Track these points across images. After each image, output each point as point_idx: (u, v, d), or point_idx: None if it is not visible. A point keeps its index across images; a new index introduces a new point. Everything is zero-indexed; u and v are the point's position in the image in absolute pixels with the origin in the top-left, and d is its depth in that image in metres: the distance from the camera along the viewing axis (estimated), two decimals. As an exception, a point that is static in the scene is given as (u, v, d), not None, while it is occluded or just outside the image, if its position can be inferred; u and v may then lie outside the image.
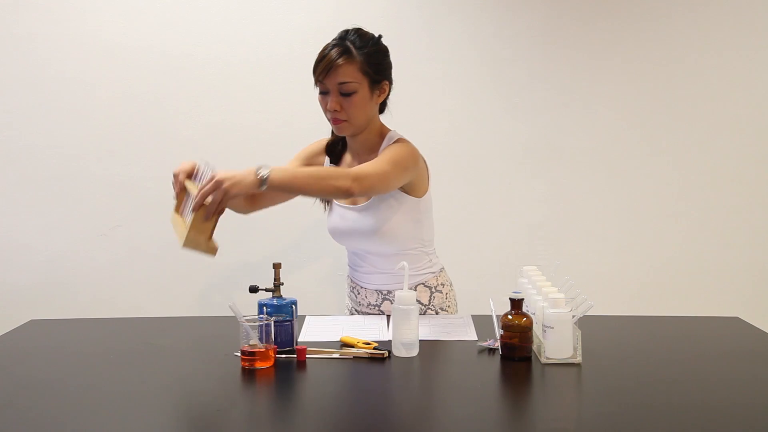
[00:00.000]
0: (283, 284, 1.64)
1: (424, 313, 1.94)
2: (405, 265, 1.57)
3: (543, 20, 2.70)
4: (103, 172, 2.69)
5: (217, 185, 1.51)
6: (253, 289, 1.66)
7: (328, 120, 1.85)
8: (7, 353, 1.63)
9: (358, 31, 1.83)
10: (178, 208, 1.70)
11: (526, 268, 1.80)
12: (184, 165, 1.73)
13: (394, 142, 1.87)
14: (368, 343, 1.58)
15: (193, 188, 1.60)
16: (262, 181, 1.54)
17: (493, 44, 2.70)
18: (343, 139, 1.96)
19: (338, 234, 1.96)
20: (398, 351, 1.54)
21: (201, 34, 2.67)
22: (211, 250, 1.52)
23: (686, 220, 2.76)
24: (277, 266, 1.65)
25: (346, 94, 1.78)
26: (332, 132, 1.95)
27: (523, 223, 2.76)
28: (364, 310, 1.99)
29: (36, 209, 2.70)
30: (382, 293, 1.94)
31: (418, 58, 2.69)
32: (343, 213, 1.93)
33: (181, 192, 1.70)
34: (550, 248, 2.75)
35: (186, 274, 2.72)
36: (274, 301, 1.59)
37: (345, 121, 1.81)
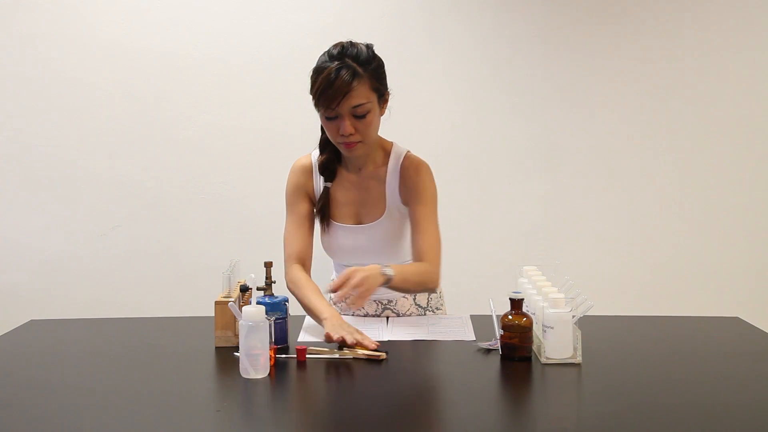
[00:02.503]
0: (275, 282, 1.64)
1: (424, 314, 1.94)
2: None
3: (543, 20, 2.70)
4: (103, 172, 2.70)
5: (363, 281, 1.57)
6: (244, 289, 1.65)
7: (338, 144, 1.74)
8: (7, 353, 1.63)
9: (353, 45, 1.71)
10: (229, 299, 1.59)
11: (526, 268, 1.79)
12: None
13: (413, 168, 1.81)
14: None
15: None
16: (388, 279, 1.65)
17: (493, 44, 2.71)
18: (337, 154, 1.84)
19: (339, 251, 1.88)
20: None
21: (201, 34, 2.67)
22: None
23: (686, 220, 2.76)
24: (268, 264, 1.65)
25: (360, 116, 1.68)
26: (322, 149, 1.84)
27: (523, 223, 2.76)
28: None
29: (36, 209, 2.70)
30: (382, 303, 1.92)
31: (418, 58, 2.69)
32: (345, 232, 1.85)
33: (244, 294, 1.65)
34: (550, 248, 2.75)
35: (186, 274, 2.72)
36: (267, 300, 1.59)
37: (359, 142, 1.72)
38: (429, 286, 1.80)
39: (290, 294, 1.77)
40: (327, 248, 1.91)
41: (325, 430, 1.22)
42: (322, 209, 1.84)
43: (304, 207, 1.86)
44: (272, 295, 1.62)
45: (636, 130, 2.74)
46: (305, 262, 1.85)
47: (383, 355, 1.51)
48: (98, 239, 2.72)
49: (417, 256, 1.81)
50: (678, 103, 2.73)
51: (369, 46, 1.72)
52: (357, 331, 1.59)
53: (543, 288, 1.57)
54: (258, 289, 1.61)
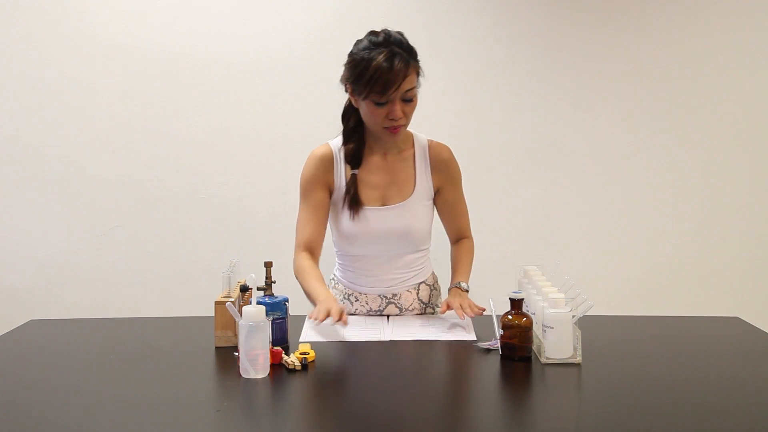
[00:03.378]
0: (275, 282, 1.64)
1: (424, 312, 1.94)
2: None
3: (542, 22, 2.70)
4: (103, 172, 2.70)
5: (462, 302, 1.79)
6: (244, 289, 1.66)
7: (382, 129, 1.78)
8: (7, 353, 1.63)
9: (394, 34, 1.77)
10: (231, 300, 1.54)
11: (526, 268, 1.80)
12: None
13: (444, 153, 1.94)
14: (307, 353, 1.49)
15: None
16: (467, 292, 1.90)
17: (492, 45, 2.71)
18: (362, 140, 1.88)
19: (363, 236, 1.87)
20: None
21: (201, 35, 2.67)
22: None
23: (686, 221, 2.76)
24: (268, 264, 1.65)
25: (409, 100, 1.76)
26: (347, 138, 1.87)
27: (523, 223, 2.76)
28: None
29: (36, 209, 2.70)
30: (386, 297, 1.93)
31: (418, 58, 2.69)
32: (371, 214, 1.86)
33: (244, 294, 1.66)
34: (550, 248, 2.75)
35: (185, 274, 2.72)
36: (267, 300, 1.59)
37: (403, 126, 1.80)
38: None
39: (296, 280, 1.83)
40: (352, 234, 1.88)
41: (325, 429, 1.22)
42: (354, 197, 1.85)
43: (319, 196, 1.88)
44: (272, 295, 1.62)
45: (635, 131, 2.74)
46: (314, 251, 1.88)
47: (299, 366, 1.45)
48: (98, 239, 2.72)
49: (456, 233, 2.02)
50: (677, 103, 2.73)
51: (401, 34, 1.79)
52: (339, 310, 1.63)
53: (543, 288, 1.57)
54: (258, 289, 1.61)
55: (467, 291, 1.88)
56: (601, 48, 2.71)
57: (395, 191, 1.88)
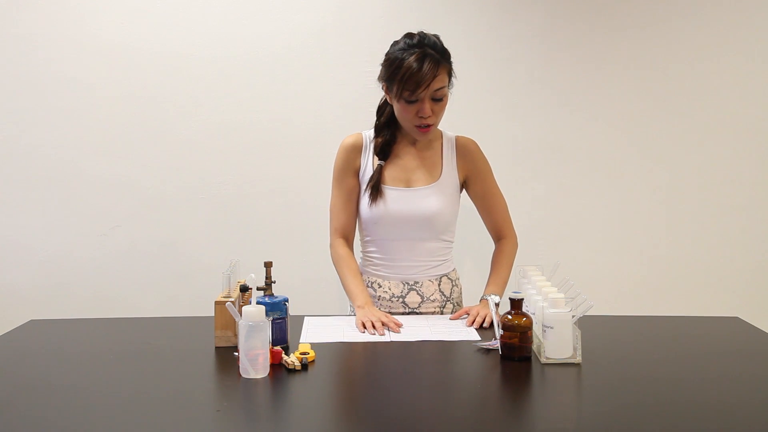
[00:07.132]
0: (275, 282, 1.64)
1: (444, 305, 1.97)
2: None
3: (541, 22, 2.70)
4: (103, 172, 2.69)
5: (479, 313, 1.83)
6: (244, 289, 1.66)
7: (413, 127, 1.87)
8: (7, 353, 1.63)
9: (426, 35, 1.84)
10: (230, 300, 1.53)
11: (526, 268, 1.80)
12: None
13: (470, 145, 2.01)
14: (307, 353, 1.49)
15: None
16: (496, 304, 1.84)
17: (491, 45, 2.71)
18: (393, 134, 1.96)
19: (389, 218, 1.92)
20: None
21: (201, 34, 2.67)
22: None
23: (686, 220, 2.76)
24: (268, 264, 1.66)
25: (438, 99, 1.84)
26: (378, 131, 1.96)
27: (523, 223, 2.75)
28: (385, 305, 1.96)
29: (36, 209, 2.70)
30: (408, 284, 1.95)
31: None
32: (398, 195, 1.92)
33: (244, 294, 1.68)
34: (550, 248, 2.75)
35: (185, 274, 2.72)
36: (267, 300, 1.59)
37: (432, 125, 1.87)
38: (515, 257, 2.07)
39: (333, 265, 1.98)
40: (378, 216, 1.93)
41: (325, 430, 1.22)
42: (376, 184, 1.93)
43: (350, 183, 1.97)
44: (272, 295, 1.62)
45: (635, 131, 2.74)
46: (348, 237, 2.00)
47: (298, 366, 1.45)
48: (98, 239, 2.72)
49: (495, 230, 2.07)
50: (677, 103, 2.73)
51: (438, 37, 1.86)
52: (385, 315, 1.77)
53: (543, 288, 1.57)
54: (258, 289, 1.61)
55: (497, 304, 1.83)
56: (601, 48, 2.71)
57: (421, 175, 1.95)
